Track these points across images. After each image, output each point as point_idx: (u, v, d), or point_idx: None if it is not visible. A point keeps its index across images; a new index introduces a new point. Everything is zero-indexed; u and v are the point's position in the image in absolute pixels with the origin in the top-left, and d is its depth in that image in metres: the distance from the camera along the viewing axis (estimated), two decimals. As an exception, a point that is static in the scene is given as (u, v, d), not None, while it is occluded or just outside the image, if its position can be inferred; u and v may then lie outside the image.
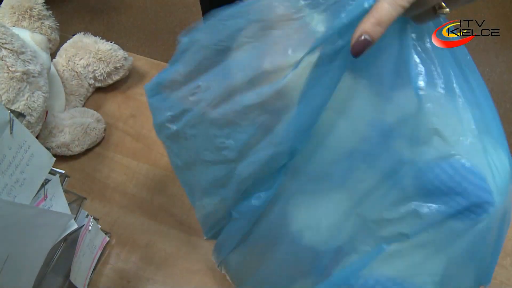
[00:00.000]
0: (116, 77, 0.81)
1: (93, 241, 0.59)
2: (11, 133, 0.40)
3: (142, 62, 0.87)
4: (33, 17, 0.78)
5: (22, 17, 0.75)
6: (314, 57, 0.34)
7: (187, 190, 0.51)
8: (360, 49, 0.31)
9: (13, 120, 0.39)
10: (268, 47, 0.36)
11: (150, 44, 2.20)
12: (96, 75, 0.79)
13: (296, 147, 0.38)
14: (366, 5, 0.30)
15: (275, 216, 0.43)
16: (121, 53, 0.79)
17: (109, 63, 0.78)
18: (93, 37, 0.81)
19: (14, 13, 0.75)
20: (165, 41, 2.20)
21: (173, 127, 0.44)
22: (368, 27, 0.31)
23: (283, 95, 0.35)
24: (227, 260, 0.52)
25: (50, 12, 0.81)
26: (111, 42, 0.80)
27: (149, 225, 0.67)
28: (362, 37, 0.31)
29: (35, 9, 0.78)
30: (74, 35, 0.84)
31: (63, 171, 0.50)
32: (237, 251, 0.49)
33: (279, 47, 0.35)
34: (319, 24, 0.34)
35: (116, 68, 0.79)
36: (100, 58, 0.78)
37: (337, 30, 0.32)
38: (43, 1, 0.80)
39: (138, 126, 0.78)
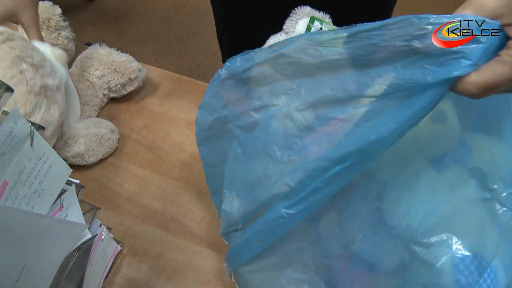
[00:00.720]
0: (130, 88, 0.82)
1: (105, 250, 0.60)
2: (31, 145, 0.41)
3: (155, 73, 0.89)
4: (51, 27, 0.80)
5: (40, 27, 0.76)
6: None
7: (226, 180, 0.52)
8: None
9: (33, 132, 0.40)
10: (359, 75, 0.39)
11: (161, 53, 2.22)
12: (111, 85, 0.80)
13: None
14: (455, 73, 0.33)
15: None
16: (135, 64, 0.81)
17: (124, 74, 0.80)
18: (108, 48, 0.82)
19: None
20: (177, 51, 2.23)
21: (257, 116, 0.47)
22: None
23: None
24: (239, 270, 0.52)
25: (66, 23, 0.83)
26: (125, 53, 0.82)
27: (160, 235, 0.68)
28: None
29: (52, 20, 0.80)
30: (88, 43, 0.86)
31: (79, 181, 0.51)
32: (254, 263, 0.49)
33: (368, 78, 0.38)
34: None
35: (130, 79, 0.81)
36: (115, 69, 0.79)
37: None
38: (60, 12, 0.82)
39: (150, 137, 0.79)
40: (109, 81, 0.80)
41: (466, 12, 0.33)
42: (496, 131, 0.42)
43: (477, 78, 0.32)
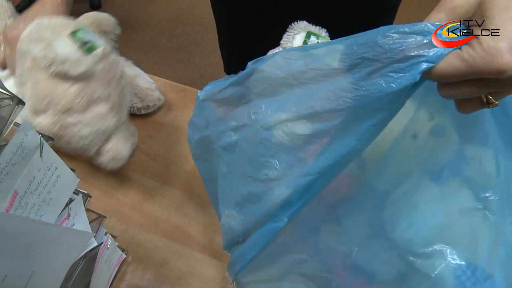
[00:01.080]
0: (144, 112, 0.83)
1: (110, 258, 0.61)
2: (41, 156, 0.42)
3: (160, 83, 0.90)
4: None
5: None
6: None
7: (220, 198, 0.53)
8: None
9: (43, 144, 0.42)
10: (322, 91, 0.39)
11: (164, 61, 2.24)
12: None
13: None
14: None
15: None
16: (157, 94, 0.81)
17: (144, 100, 0.80)
18: (135, 68, 0.82)
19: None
20: (180, 60, 2.24)
21: (234, 136, 0.48)
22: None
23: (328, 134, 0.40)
24: (240, 280, 0.53)
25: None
26: (151, 80, 0.82)
27: (164, 243, 0.69)
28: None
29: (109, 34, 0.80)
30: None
31: (86, 191, 0.52)
32: (255, 274, 0.50)
33: (331, 93, 0.38)
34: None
35: (148, 106, 0.82)
36: (136, 93, 0.80)
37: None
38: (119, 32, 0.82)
39: (155, 147, 0.80)
40: None
41: (440, 15, 0.33)
42: (482, 138, 0.42)
43: (438, 64, 0.32)
